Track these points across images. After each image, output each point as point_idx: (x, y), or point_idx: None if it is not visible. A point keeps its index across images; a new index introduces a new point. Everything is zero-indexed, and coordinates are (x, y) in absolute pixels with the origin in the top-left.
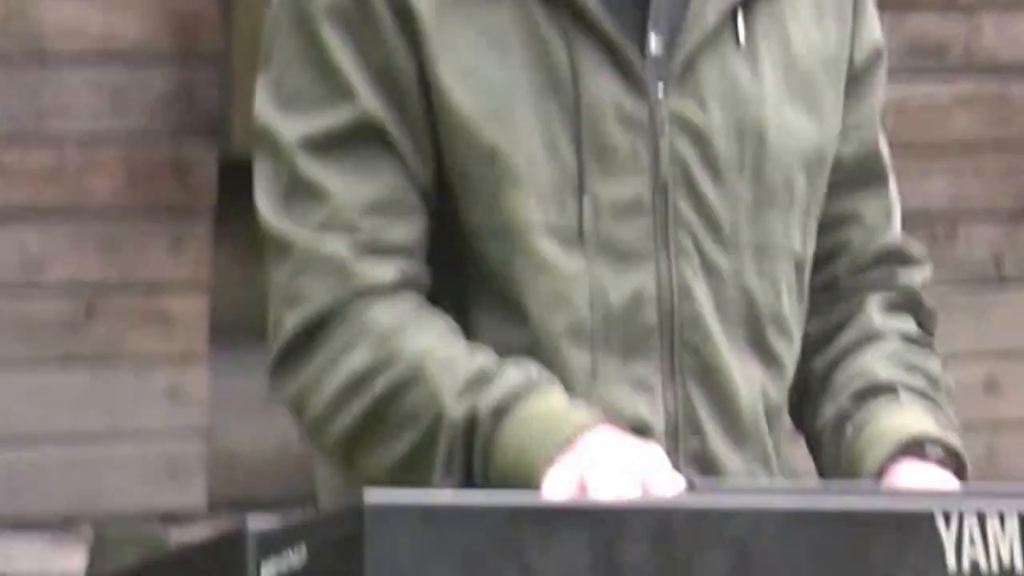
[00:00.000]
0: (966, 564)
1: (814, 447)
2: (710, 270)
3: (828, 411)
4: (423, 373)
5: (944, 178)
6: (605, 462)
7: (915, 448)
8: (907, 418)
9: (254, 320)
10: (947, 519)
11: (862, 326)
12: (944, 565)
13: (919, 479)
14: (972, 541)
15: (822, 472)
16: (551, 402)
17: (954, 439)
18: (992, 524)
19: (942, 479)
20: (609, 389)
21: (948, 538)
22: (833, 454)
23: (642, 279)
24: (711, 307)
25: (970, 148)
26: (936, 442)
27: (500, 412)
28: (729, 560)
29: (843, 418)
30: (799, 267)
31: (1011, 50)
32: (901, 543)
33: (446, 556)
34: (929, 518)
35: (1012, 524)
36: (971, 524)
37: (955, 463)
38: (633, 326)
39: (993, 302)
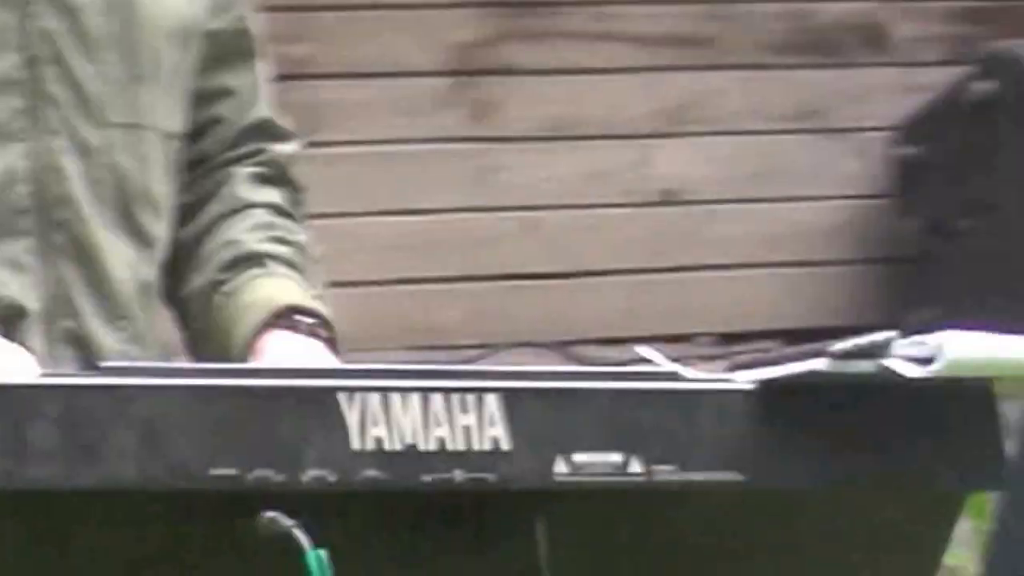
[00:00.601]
0: (370, 442)
1: (182, 317)
2: (81, 147)
3: (196, 281)
4: None
5: None
6: None
7: (285, 318)
8: (276, 288)
9: None
10: (350, 397)
11: (229, 197)
12: (347, 443)
13: (289, 349)
14: (375, 419)
15: (191, 343)
16: None
17: (323, 308)
18: (394, 402)
19: (311, 349)
20: None
21: (351, 416)
22: (203, 325)
23: (12, 158)
24: (82, 185)
25: None
26: (305, 312)
27: None
28: (137, 438)
29: (212, 288)
30: (170, 143)
31: None
32: (305, 420)
33: None
34: (332, 395)
35: (414, 402)
36: (374, 402)
37: (325, 332)
38: (3, 205)
39: None
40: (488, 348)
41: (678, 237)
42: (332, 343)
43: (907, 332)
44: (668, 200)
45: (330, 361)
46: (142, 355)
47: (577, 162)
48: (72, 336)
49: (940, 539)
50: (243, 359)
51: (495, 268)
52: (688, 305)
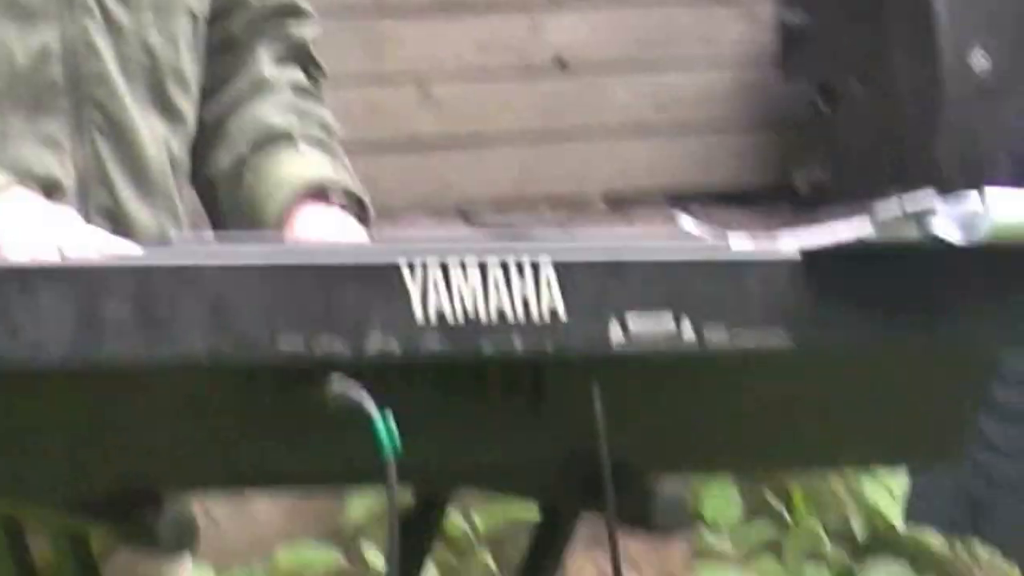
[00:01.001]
0: (432, 313)
1: (207, 195)
2: (112, 26)
3: (224, 159)
4: None
5: None
6: (17, 222)
7: (317, 193)
8: (306, 164)
9: None
10: (412, 271)
11: (253, 76)
12: (412, 315)
13: (323, 224)
14: (437, 290)
15: (218, 220)
16: None
17: (354, 184)
18: (455, 273)
19: (344, 223)
20: (18, 147)
21: (414, 289)
22: (232, 202)
23: (47, 37)
24: (115, 63)
25: None
26: (336, 187)
27: None
28: (207, 313)
29: (241, 165)
30: (197, 23)
31: None
32: (370, 294)
33: None
34: (396, 269)
35: (474, 273)
36: (435, 274)
37: (356, 209)
38: (39, 84)
39: None
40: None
41: (570, 104)
42: (364, 218)
43: (797, 195)
44: (559, 68)
45: (364, 236)
46: (176, 230)
47: (470, 32)
48: (107, 211)
49: (977, 396)
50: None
51: (391, 137)
52: (580, 170)
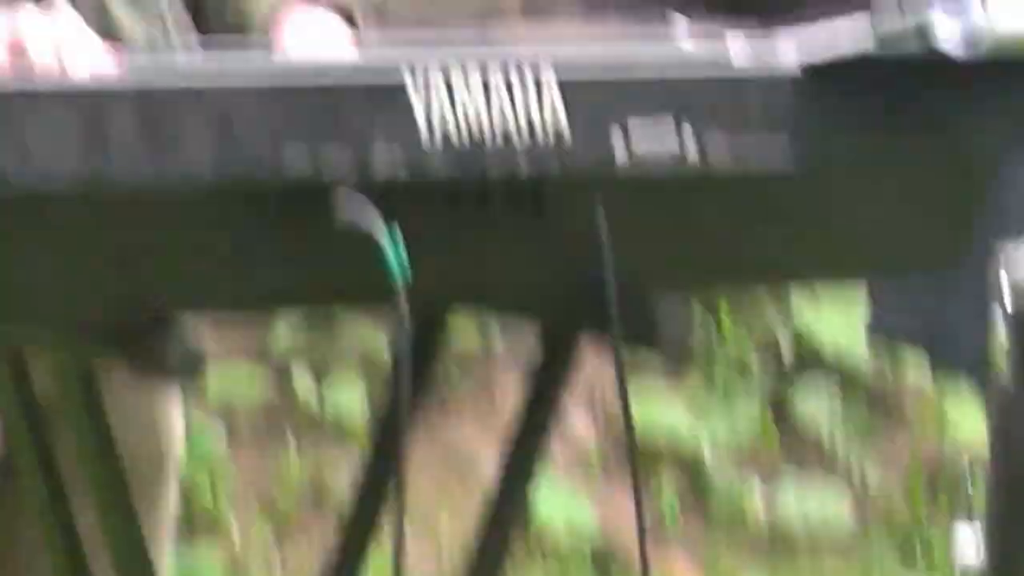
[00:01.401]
0: (437, 133)
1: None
2: None
3: None
4: None
5: None
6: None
7: None
8: None
9: None
10: (416, 87)
11: None
12: (417, 132)
13: (314, 25)
14: (442, 107)
15: (203, 25)
16: None
17: None
18: (460, 91)
19: (333, 27)
20: None
21: (419, 105)
22: (217, 5)
23: None
24: None
25: None
26: None
27: None
28: (214, 133)
29: None
30: None
31: None
32: (373, 113)
33: None
34: (400, 89)
35: (477, 90)
36: (440, 90)
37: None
38: None
39: None
40: None
41: None
42: (351, 19)
43: None
44: None
45: (352, 38)
46: (164, 39)
47: None
48: (95, 16)
49: (979, 204)
50: (264, 36)
51: None
52: None
